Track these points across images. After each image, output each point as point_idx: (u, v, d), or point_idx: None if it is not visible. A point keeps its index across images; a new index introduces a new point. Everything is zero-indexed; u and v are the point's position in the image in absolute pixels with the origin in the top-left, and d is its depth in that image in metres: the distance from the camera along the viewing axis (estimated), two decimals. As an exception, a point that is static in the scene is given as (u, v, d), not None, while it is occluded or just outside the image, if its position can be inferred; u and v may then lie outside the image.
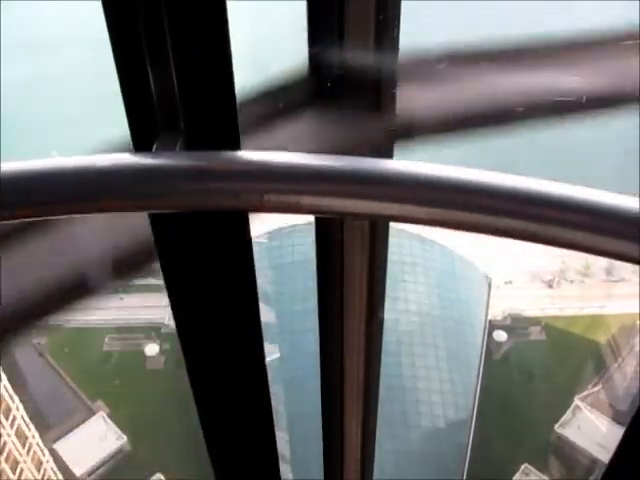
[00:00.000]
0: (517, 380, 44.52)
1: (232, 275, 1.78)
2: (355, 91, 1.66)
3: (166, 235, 1.72)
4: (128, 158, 1.32)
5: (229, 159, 1.34)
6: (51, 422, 43.51)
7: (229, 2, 1.39)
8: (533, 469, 40.75)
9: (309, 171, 1.35)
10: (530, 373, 44.77)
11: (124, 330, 47.79)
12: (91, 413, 44.67)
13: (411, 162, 1.30)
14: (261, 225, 41.64)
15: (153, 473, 41.53)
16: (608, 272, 48.06)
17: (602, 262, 45.11)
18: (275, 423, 2.33)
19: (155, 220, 1.70)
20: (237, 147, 1.54)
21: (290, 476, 36.01)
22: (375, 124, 2.08)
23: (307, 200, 1.34)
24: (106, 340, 47.82)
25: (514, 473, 41.10)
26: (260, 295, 1.86)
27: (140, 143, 1.57)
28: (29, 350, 47.14)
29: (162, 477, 41.43)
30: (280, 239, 44.22)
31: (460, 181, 1.25)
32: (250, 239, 1.71)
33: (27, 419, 38.49)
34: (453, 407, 40.29)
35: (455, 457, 38.86)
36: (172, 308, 1.88)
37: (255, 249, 1.71)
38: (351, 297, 2.46)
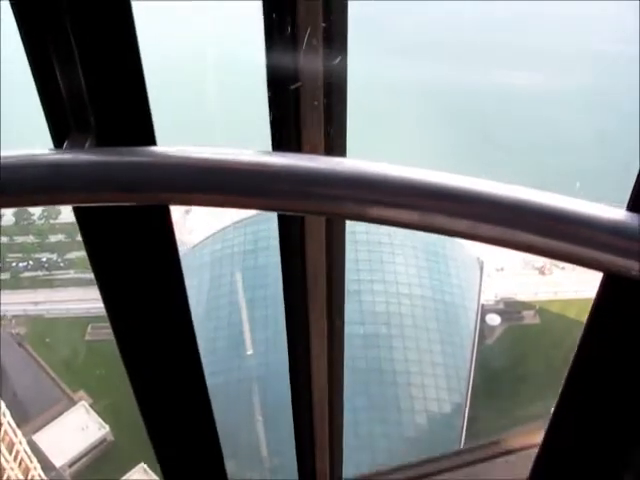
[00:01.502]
0: (511, 364, 44.74)
1: (157, 265, 1.85)
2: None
3: (91, 227, 1.78)
4: (29, 156, 1.39)
5: (128, 154, 1.41)
6: (30, 413, 43.55)
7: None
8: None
9: (219, 165, 1.41)
10: (524, 357, 45.00)
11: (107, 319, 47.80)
12: (72, 403, 44.74)
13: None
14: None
15: (137, 463, 41.68)
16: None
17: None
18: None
19: (79, 213, 1.76)
20: (151, 143, 1.59)
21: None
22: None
23: (213, 197, 1.41)
24: (89, 330, 47.84)
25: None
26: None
27: (55, 142, 1.64)
28: (8, 340, 47.09)
29: (145, 466, 41.58)
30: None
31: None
32: (172, 230, 1.78)
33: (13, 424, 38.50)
34: (446, 390, 40.31)
35: (449, 441, 38.94)
36: (103, 301, 1.94)
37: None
38: (313, 290, 2.51)
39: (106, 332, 47.82)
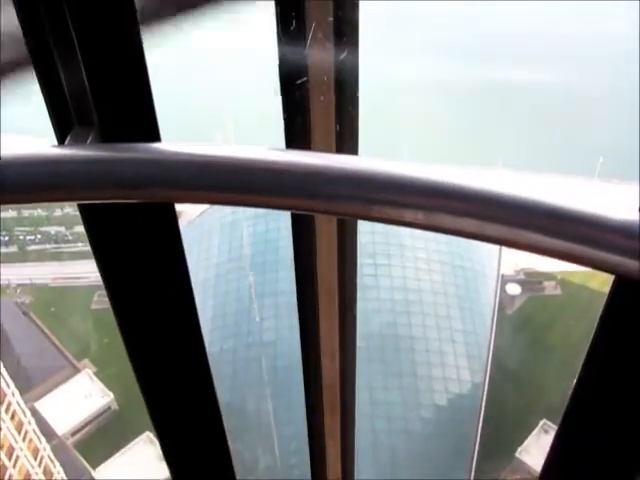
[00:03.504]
0: (532, 335, 44.75)
1: (163, 262, 1.88)
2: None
3: (95, 224, 1.82)
4: (31, 152, 1.43)
5: (133, 150, 1.44)
6: (33, 381, 44.03)
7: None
8: (553, 425, 40.94)
9: (221, 162, 1.44)
10: (545, 328, 45.01)
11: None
12: (76, 372, 45.21)
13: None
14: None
15: (142, 431, 42.13)
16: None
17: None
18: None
19: (83, 209, 1.80)
20: (155, 139, 1.62)
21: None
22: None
23: (218, 195, 1.45)
24: (95, 298, 48.22)
25: (531, 429, 41.50)
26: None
27: (58, 137, 1.67)
28: (13, 309, 47.55)
29: (151, 435, 42.01)
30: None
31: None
32: (177, 227, 1.80)
33: (7, 378, 38.74)
34: (465, 358, 40.16)
35: (468, 410, 38.93)
36: (109, 296, 1.98)
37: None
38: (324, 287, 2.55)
39: (113, 300, 48.18)
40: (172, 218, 1.77)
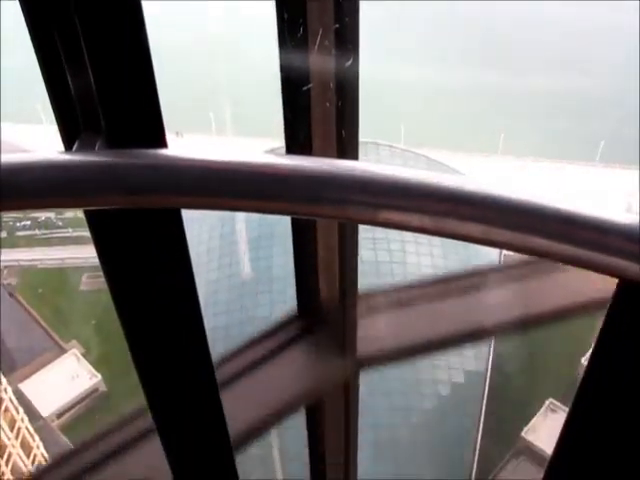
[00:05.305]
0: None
1: (168, 269, 1.94)
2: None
3: (101, 230, 1.87)
4: (38, 158, 1.49)
5: (140, 156, 1.50)
6: (18, 363, 44.06)
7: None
8: (560, 404, 41.06)
9: (226, 168, 1.50)
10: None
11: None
12: (63, 353, 45.21)
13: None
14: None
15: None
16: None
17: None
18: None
19: (90, 215, 1.86)
20: (162, 144, 1.67)
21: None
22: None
23: (226, 201, 1.51)
24: (83, 279, 48.34)
25: (538, 408, 41.66)
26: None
27: (65, 143, 1.73)
28: (-1, 291, 47.64)
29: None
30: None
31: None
32: (183, 234, 1.86)
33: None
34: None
35: (470, 387, 38.82)
36: (114, 301, 2.04)
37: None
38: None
39: (102, 281, 47.91)
40: (178, 224, 1.83)
